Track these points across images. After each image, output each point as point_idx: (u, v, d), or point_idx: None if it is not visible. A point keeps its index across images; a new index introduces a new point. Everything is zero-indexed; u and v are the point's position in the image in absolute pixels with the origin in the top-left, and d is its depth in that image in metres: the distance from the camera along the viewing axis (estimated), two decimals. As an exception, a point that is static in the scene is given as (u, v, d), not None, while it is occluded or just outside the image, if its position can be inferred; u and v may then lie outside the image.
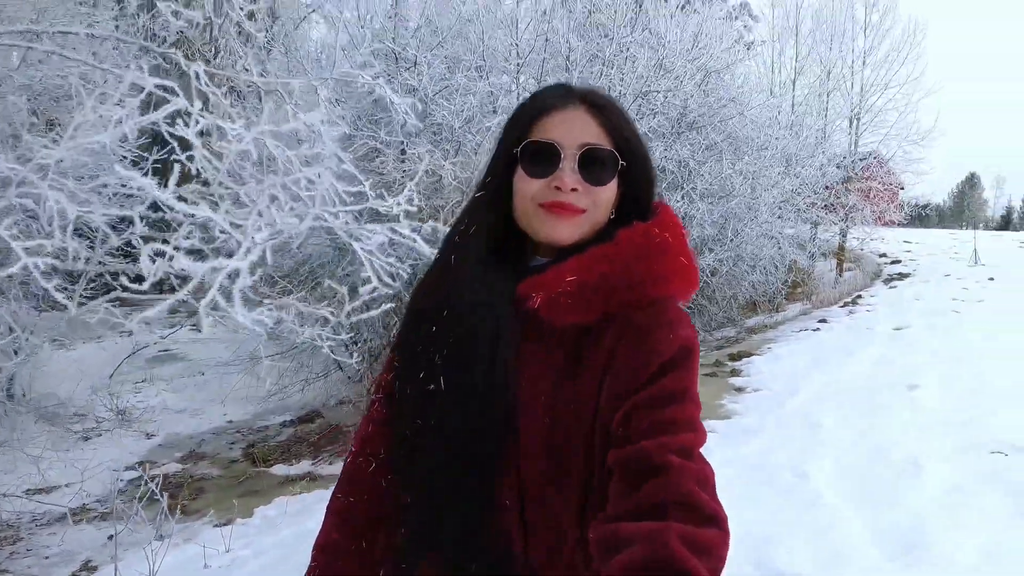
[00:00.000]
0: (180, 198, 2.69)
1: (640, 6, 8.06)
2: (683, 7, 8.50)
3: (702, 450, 1.01)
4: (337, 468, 6.03)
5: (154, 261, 2.53)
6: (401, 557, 1.12)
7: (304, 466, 6.30)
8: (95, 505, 4.85)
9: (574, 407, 1.02)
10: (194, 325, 11.06)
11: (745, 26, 15.55)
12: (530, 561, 1.06)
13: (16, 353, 6.19)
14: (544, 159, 1.06)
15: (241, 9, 4.31)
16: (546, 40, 8.39)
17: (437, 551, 1.08)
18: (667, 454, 0.94)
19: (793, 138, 10.41)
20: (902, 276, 13.55)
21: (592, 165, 1.06)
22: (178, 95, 3.06)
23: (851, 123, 12.91)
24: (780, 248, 9.92)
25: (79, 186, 2.66)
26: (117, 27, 4.38)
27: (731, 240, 9.31)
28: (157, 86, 3.06)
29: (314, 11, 13.02)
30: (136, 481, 5.29)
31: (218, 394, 8.02)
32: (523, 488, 1.04)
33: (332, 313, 2.96)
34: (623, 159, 1.09)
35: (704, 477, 0.95)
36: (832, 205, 11.73)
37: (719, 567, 0.87)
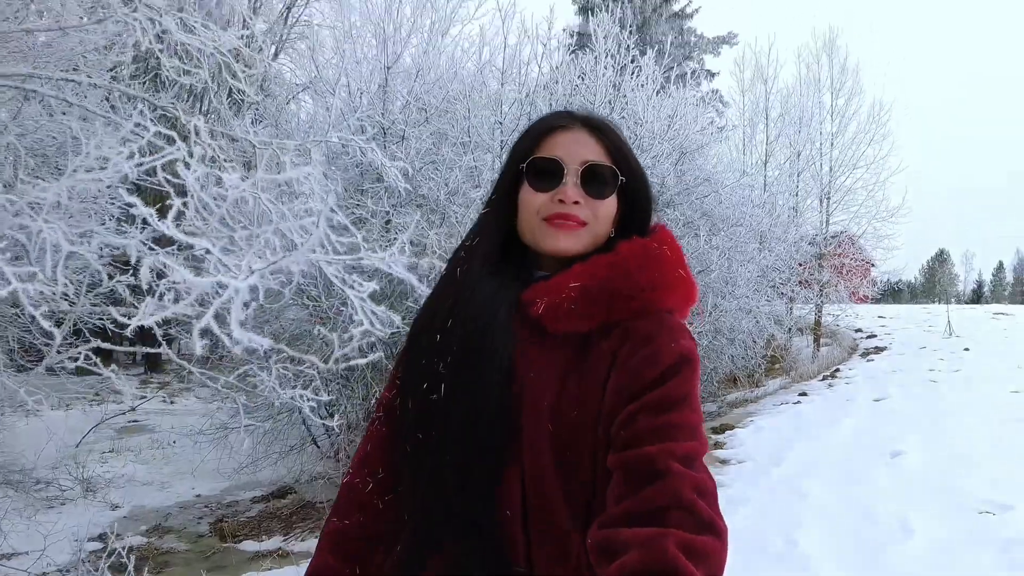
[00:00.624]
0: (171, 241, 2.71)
1: (618, 89, 8.45)
2: (659, 91, 8.91)
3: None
4: (309, 544, 5.80)
5: (152, 294, 2.52)
6: (403, 567, 1.10)
7: (275, 542, 6.04)
8: (57, 574, 4.59)
9: (579, 408, 1.04)
10: (165, 397, 10.78)
11: (717, 111, 16.32)
12: (534, 566, 1.04)
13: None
14: (548, 174, 1.12)
15: (234, 78, 4.46)
16: (528, 119, 8.70)
17: (439, 556, 1.07)
18: (669, 460, 0.95)
19: (766, 215, 10.76)
20: (879, 350, 13.71)
21: (593, 180, 1.12)
22: (175, 143, 3.13)
23: (822, 202, 13.39)
24: (758, 322, 10.06)
25: (72, 223, 2.66)
26: (114, 78, 4.49)
27: (709, 314, 9.44)
28: (156, 134, 3.13)
29: (304, 89, 13.48)
30: (99, 552, 5.04)
31: (187, 467, 7.75)
32: (526, 493, 1.04)
33: (317, 365, 2.94)
34: (622, 175, 1.15)
35: (704, 486, 0.95)
36: (807, 281, 12.01)
37: (716, 574, 0.88)
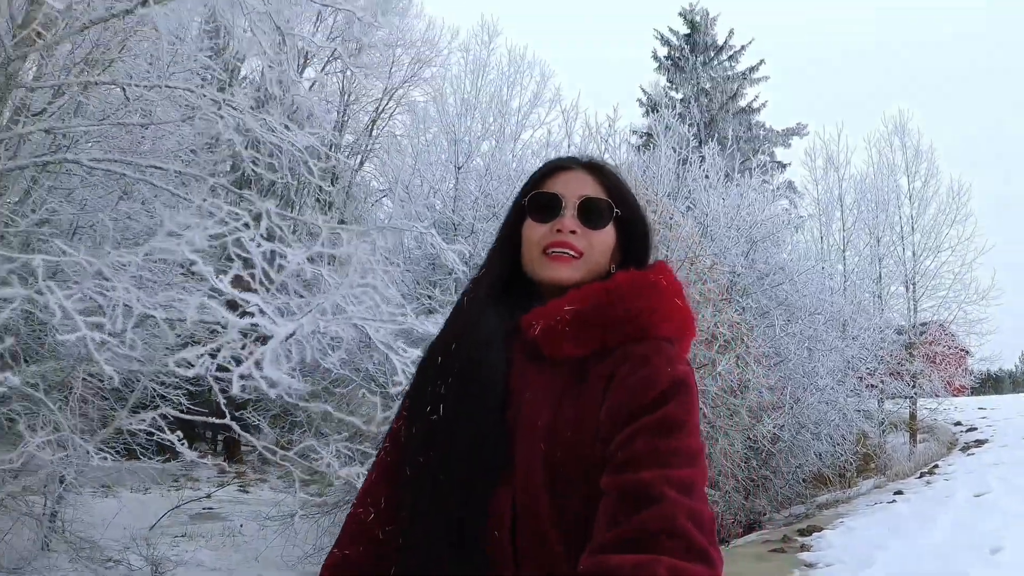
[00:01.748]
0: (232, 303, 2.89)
1: (680, 179, 8.56)
2: (724, 182, 8.97)
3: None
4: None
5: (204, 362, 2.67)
6: None
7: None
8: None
9: (573, 428, 1.04)
10: (240, 486, 11.00)
11: (791, 201, 16.13)
12: None
13: (62, 496, 6.27)
14: (549, 207, 1.18)
15: (320, 187, 4.84)
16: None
17: None
18: (664, 486, 0.93)
19: (847, 303, 10.34)
20: (980, 443, 12.85)
21: (590, 212, 1.18)
22: (248, 226, 3.39)
23: (907, 288, 12.74)
24: (846, 416, 9.48)
25: (147, 290, 2.87)
26: (212, 174, 4.96)
27: (790, 407, 8.99)
28: (229, 214, 3.39)
29: (385, 194, 14.34)
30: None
31: (254, 554, 7.79)
32: (516, 514, 1.03)
33: (361, 425, 2.99)
34: (617, 208, 1.20)
35: (700, 515, 0.93)
36: (897, 372, 11.29)
37: None
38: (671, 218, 8.90)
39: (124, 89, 4.20)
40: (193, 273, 3.83)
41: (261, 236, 3.52)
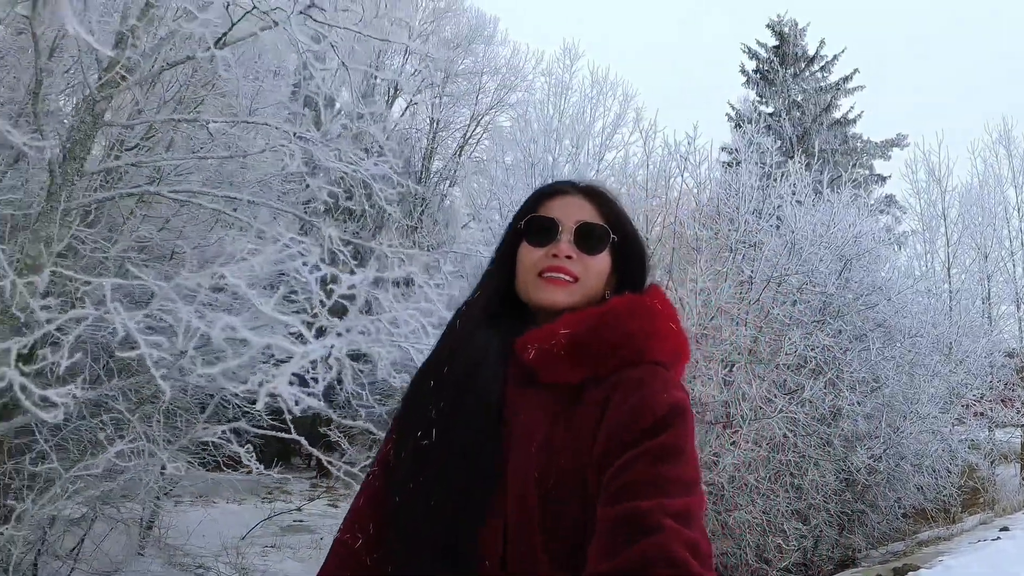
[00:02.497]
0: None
1: (765, 194, 8.26)
2: (815, 198, 8.58)
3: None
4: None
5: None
6: None
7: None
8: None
9: (567, 454, 1.03)
10: (330, 501, 11.40)
11: (895, 217, 15.17)
12: None
13: (158, 505, 6.70)
14: (545, 231, 1.18)
15: (404, 212, 5.02)
16: (674, 233, 8.74)
17: None
18: (662, 516, 0.91)
19: (951, 325, 9.58)
20: (1098, 474, 11.43)
21: (587, 238, 1.18)
22: (308, 252, 3.57)
23: (1018, 307, 11.64)
24: (950, 447, 8.75)
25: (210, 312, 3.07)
26: (307, 207, 5.27)
27: (888, 437, 8.40)
28: (292, 240, 3.58)
29: (472, 219, 14.67)
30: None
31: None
32: (507, 539, 1.03)
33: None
34: (614, 234, 1.20)
35: (698, 545, 0.91)
36: (1008, 398, 10.31)
37: None
38: (755, 236, 8.61)
39: (206, 125, 4.50)
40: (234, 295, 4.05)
41: (322, 260, 3.71)
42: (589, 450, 1.02)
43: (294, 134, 4.41)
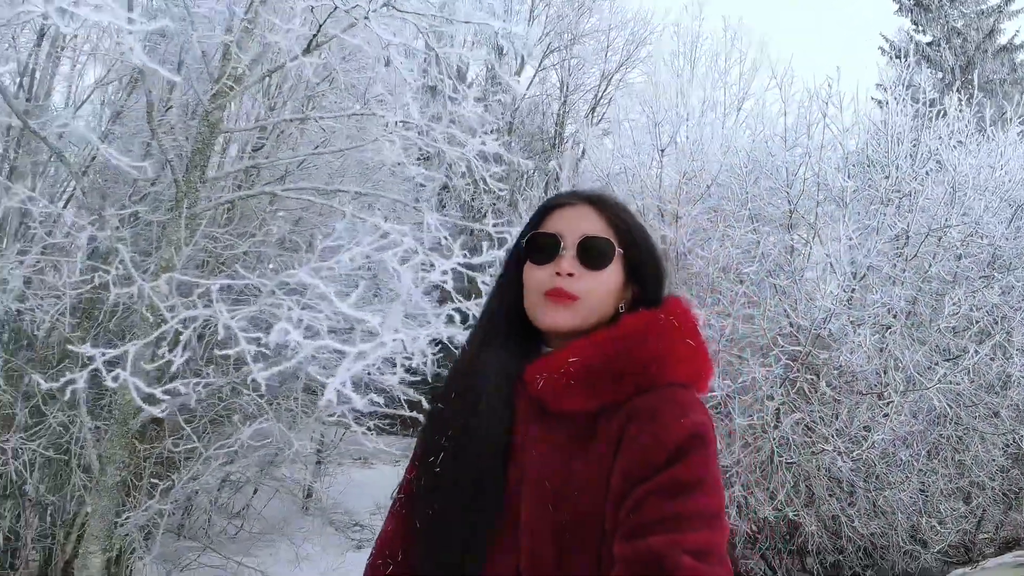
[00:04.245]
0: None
1: (920, 134, 7.37)
2: (978, 133, 7.54)
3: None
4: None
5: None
6: None
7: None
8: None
9: (583, 492, 1.01)
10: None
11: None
12: None
13: (319, 470, 7.33)
14: (547, 248, 1.14)
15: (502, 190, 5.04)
16: (818, 185, 8.05)
17: None
18: (679, 554, 0.89)
19: None
20: None
21: (590, 252, 1.12)
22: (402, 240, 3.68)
23: None
24: None
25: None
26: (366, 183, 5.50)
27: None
28: (386, 231, 3.70)
29: (607, 184, 14.42)
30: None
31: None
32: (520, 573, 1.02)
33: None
34: (620, 247, 1.14)
35: None
36: None
37: None
38: (911, 183, 7.72)
39: (318, 120, 4.73)
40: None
41: (440, 245, 3.83)
42: (604, 488, 0.99)
43: (396, 123, 4.53)
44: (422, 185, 5.82)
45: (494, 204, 10.67)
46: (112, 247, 3.34)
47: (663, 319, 1.09)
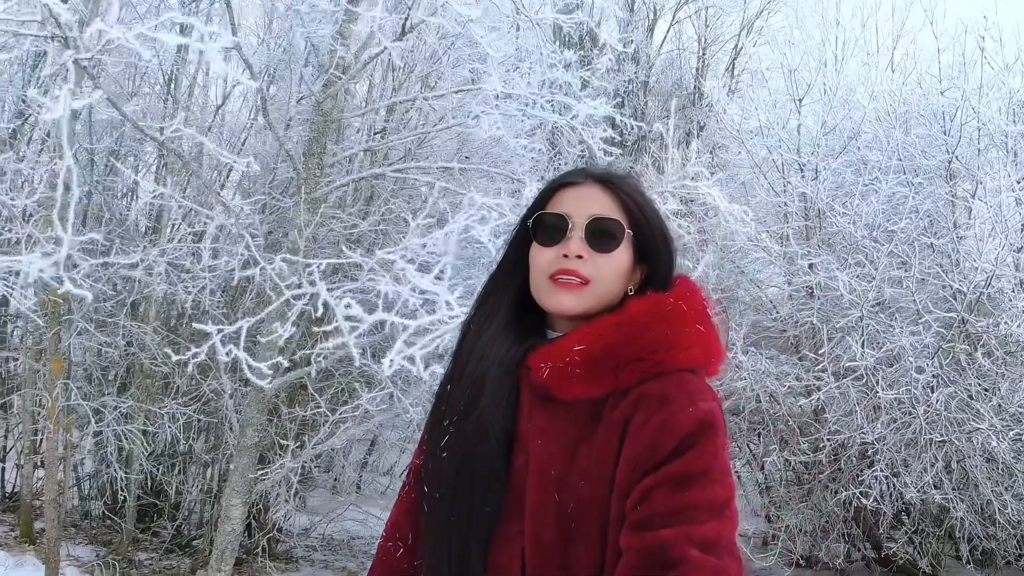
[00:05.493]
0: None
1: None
2: None
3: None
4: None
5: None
6: None
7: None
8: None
9: (589, 480, 1.01)
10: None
11: None
12: None
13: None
14: (554, 229, 1.11)
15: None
16: (978, 131, 7.13)
17: None
18: (687, 547, 0.90)
19: None
20: None
21: (599, 234, 1.10)
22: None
23: None
24: None
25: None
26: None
27: None
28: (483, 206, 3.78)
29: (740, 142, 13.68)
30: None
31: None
32: (525, 566, 1.03)
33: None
34: (632, 229, 1.11)
35: (726, 573, 0.90)
36: None
37: None
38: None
39: (427, 100, 4.87)
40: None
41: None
42: (610, 477, 0.99)
43: (498, 95, 4.56)
44: (535, 159, 5.82)
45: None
46: (240, 233, 3.67)
47: (672, 303, 1.06)
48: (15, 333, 5.12)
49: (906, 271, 5.96)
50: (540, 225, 1.12)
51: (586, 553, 0.98)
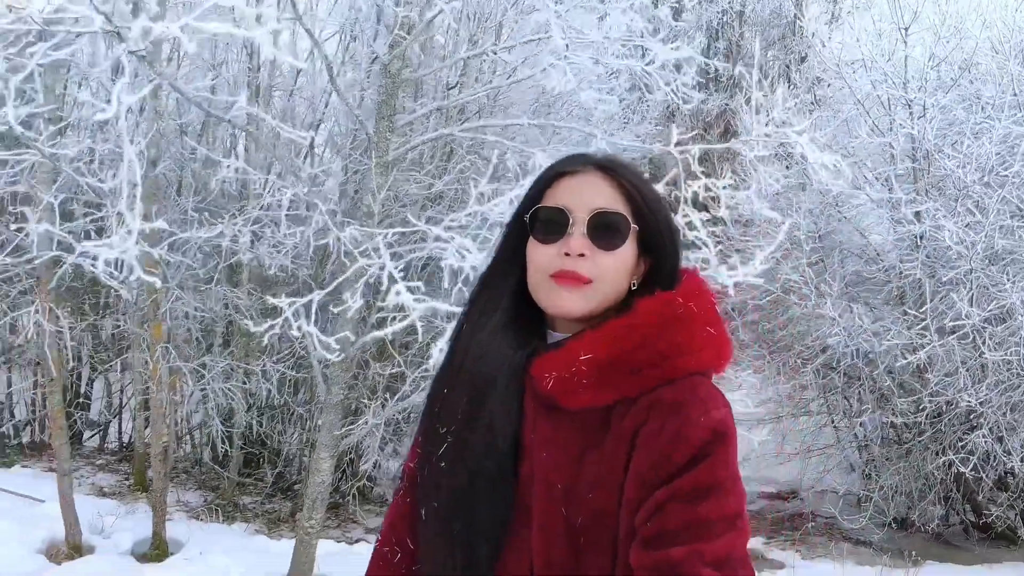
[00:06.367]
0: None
1: None
2: None
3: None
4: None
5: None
6: None
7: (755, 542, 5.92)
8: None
9: (597, 491, 0.98)
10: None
11: None
12: None
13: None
14: (554, 224, 1.03)
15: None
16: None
17: None
18: (699, 566, 0.88)
19: None
20: None
21: (603, 230, 1.02)
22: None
23: None
24: None
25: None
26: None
27: None
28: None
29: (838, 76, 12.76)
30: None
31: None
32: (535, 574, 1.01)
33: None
34: (637, 223, 1.04)
35: None
36: None
37: None
38: None
39: (495, 52, 4.76)
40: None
41: None
42: (618, 488, 0.96)
43: (566, 47, 4.40)
44: (607, 110, 5.63)
45: (704, 117, 9.96)
46: (312, 201, 3.77)
47: (682, 304, 1.00)
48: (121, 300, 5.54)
49: (1020, 220, 5.45)
50: (538, 220, 1.04)
51: (598, 565, 0.96)
